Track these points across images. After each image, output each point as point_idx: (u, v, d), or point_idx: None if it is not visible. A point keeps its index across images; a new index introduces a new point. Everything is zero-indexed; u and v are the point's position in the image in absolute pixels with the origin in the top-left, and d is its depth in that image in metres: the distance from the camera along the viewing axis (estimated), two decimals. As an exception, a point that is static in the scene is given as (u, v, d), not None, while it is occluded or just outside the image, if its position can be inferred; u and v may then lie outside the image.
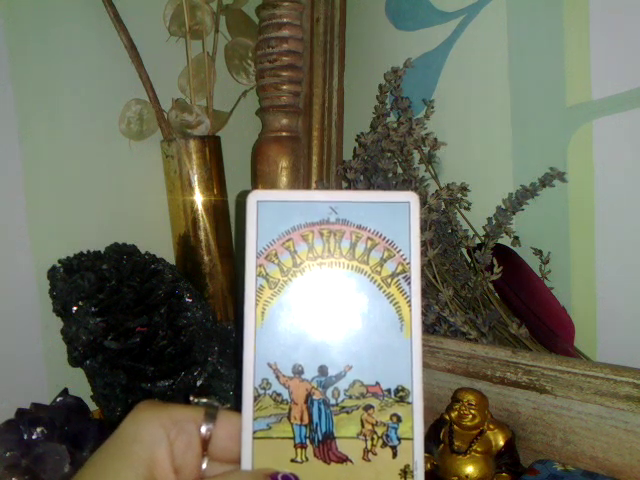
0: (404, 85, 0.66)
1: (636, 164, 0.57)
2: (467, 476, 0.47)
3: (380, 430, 0.27)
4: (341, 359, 0.27)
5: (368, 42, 0.77)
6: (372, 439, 0.27)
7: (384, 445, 0.26)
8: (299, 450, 0.26)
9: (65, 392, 0.60)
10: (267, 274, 0.27)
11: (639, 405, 0.44)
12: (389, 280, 0.27)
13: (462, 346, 0.55)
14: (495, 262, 0.58)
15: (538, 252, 0.63)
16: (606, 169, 0.58)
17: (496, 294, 0.62)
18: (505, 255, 0.62)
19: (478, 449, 0.48)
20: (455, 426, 0.49)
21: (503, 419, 0.51)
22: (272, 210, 0.27)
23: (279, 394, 0.27)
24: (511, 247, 0.65)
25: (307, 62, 0.74)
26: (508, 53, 0.64)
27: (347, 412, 0.27)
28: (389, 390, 0.27)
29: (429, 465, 0.50)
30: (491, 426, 0.49)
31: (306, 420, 0.27)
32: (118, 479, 0.25)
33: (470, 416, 0.48)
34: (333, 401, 0.27)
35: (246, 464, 0.26)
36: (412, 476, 0.26)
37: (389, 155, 0.66)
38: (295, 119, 0.75)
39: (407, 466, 0.26)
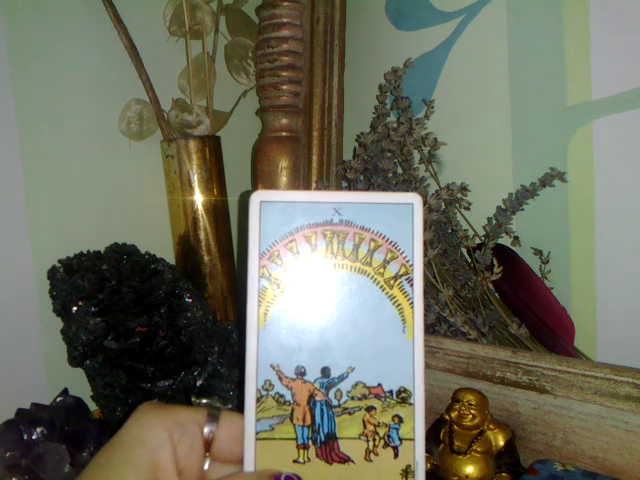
0: (404, 85, 0.66)
1: (636, 164, 0.57)
2: (467, 476, 0.47)
3: (382, 431, 0.27)
4: (344, 361, 0.27)
5: (368, 42, 0.77)
6: (374, 440, 0.27)
7: (386, 445, 0.27)
8: (301, 451, 0.27)
9: (65, 392, 0.60)
10: (270, 275, 0.27)
11: (639, 405, 0.44)
12: (392, 282, 0.27)
13: (462, 346, 0.55)
14: (495, 262, 0.58)
15: (538, 252, 0.63)
16: (606, 169, 0.58)
17: (496, 294, 0.62)
18: (505, 255, 0.62)
19: (478, 449, 0.48)
20: (455, 426, 0.49)
21: (503, 419, 0.51)
22: (275, 211, 0.27)
23: (282, 395, 0.27)
24: (511, 247, 0.65)
25: (307, 62, 0.74)
26: (508, 53, 0.64)
27: (349, 413, 0.27)
28: (391, 391, 0.27)
29: (429, 465, 0.50)
30: (491, 426, 0.49)
31: (309, 421, 0.27)
32: None
33: (470, 416, 0.48)
34: (335, 402, 0.27)
35: (249, 465, 0.26)
36: (413, 476, 0.26)
37: (389, 155, 0.66)
38: (295, 119, 0.75)
39: (408, 466, 0.26)
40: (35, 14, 0.64)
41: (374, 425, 0.27)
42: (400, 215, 0.27)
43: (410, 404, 0.27)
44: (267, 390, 0.27)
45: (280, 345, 0.27)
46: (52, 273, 0.63)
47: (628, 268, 0.58)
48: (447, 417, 0.50)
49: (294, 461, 0.26)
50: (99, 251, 0.66)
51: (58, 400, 0.59)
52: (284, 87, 0.73)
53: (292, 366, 0.27)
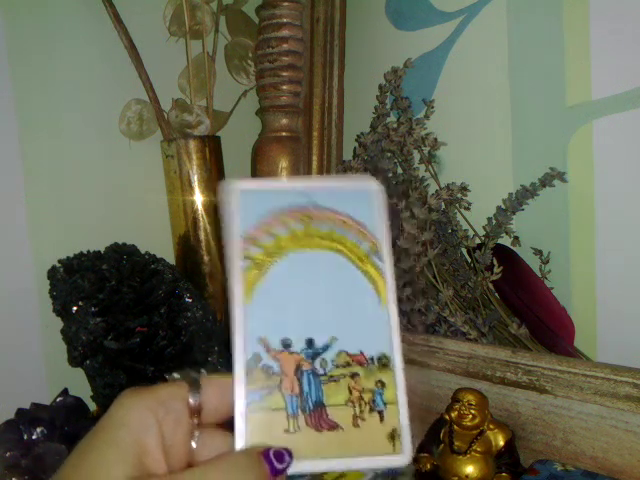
0: (404, 85, 0.66)
1: (636, 164, 0.57)
2: (467, 476, 0.47)
3: (367, 396, 0.28)
4: (326, 332, 0.28)
5: (368, 42, 0.77)
6: (360, 405, 0.28)
7: (371, 410, 0.28)
8: (291, 420, 0.27)
9: (65, 392, 0.60)
10: (251, 256, 0.29)
11: (639, 405, 0.44)
12: (364, 258, 0.30)
13: (462, 346, 0.55)
14: (495, 262, 0.58)
15: (538, 252, 0.63)
16: (606, 169, 0.58)
17: (496, 294, 0.62)
18: (505, 255, 0.62)
19: (478, 449, 0.48)
20: (455, 426, 0.49)
21: (503, 419, 0.51)
22: (252, 198, 0.30)
23: (270, 367, 0.28)
24: (511, 247, 0.65)
25: (307, 62, 0.74)
26: (508, 53, 0.64)
27: (335, 381, 0.28)
28: (372, 358, 0.28)
29: (429, 465, 0.50)
30: (491, 426, 0.49)
31: (297, 390, 0.28)
32: (105, 469, 0.24)
33: (470, 416, 0.48)
34: (321, 371, 0.28)
35: (240, 437, 0.26)
36: (399, 439, 0.27)
37: (389, 155, 0.66)
38: (295, 119, 0.75)
39: (394, 429, 0.28)
40: (35, 14, 0.64)
41: (359, 391, 0.28)
42: (364, 200, 0.31)
43: (390, 369, 0.28)
44: (255, 363, 0.27)
45: (265, 320, 0.28)
46: (52, 273, 0.63)
47: (628, 268, 0.58)
48: (447, 417, 0.50)
49: (285, 431, 0.27)
50: (99, 251, 0.66)
51: (58, 400, 0.59)
52: (284, 87, 0.73)
53: (278, 339, 0.28)
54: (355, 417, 0.28)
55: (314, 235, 0.30)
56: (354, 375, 0.28)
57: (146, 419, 0.26)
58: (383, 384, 0.28)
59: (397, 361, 0.28)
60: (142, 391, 0.27)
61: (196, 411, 0.27)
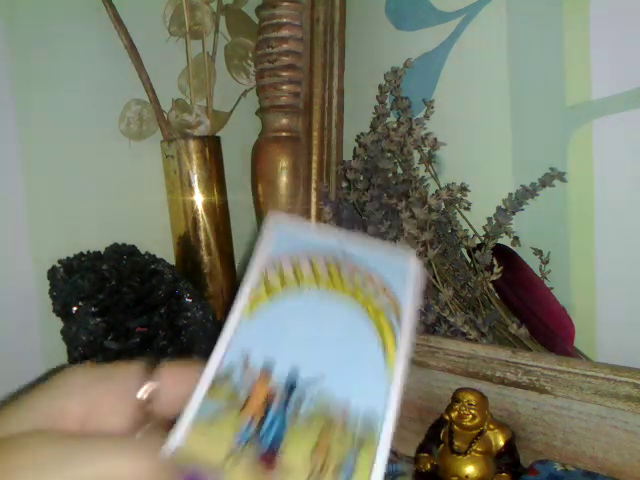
0: (404, 85, 0.66)
1: (636, 164, 0.57)
2: (467, 476, 0.47)
3: (334, 460, 0.23)
4: (316, 367, 0.25)
5: (368, 42, 0.77)
6: (321, 467, 0.23)
7: (335, 475, 0.22)
8: (238, 449, 0.23)
9: (65, 392, 0.60)
10: (267, 276, 0.28)
11: (639, 405, 0.44)
12: (378, 311, 0.28)
13: (462, 346, 0.55)
14: (495, 262, 0.58)
15: (538, 252, 0.63)
16: (606, 169, 0.58)
17: (496, 294, 0.62)
18: (505, 255, 0.62)
19: (478, 449, 0.48)
20: (455, 426, 0.49)
21: (503, 419, 0.51)
22: (288, 232, 0.30)
23: (239, 384, 0.25)
24: (511, 247, 0.65)
25: (307, 62, 0.74)
26: (508, 53, 0.64)
27: (305, 423, 0.24)
28: (358, 412, 0.24)
29: (429, 465, 0.50)
30: (491, 426, 0.49)
31: (257, 419, 0.24)
32: (8, 427, 0.23)
33: (470, 416, 0.48)
34: (292, 407, 0.24)
35: (172, 442, 0.23)
36: None
37: (389, 155, 0.66)
38: (295, 119, 0.75)
39: None
40: (35, 14, 0.64)
41: (326, 448, 0.23)
42: (398, 268, 0.30)
43: (375, 437, 0.23)
44: (227, 374, 0.25)
45: (256, 336, 0.26)
46: (52, 273, 0.63)
47: (628, 268, 0.58)
48: (447, 417, 0.50)
49: (225, 457, 0.22)
50: (99, 251, 0.66)
51: (58, 400, 0.59)
52: (284, 87, 0.73)
53: (262, 356, 0.25)
54: (312, 474, 0.22)
55: (334, 277, 0.29)
56: (329, 425, 0.24)
57: (73, 386, 0.25)
58: (360, 448, 0.23)
59: (385, 434, 0.23)
60: (89, 365, 0.26)
61: (149, 397, 0.25)
